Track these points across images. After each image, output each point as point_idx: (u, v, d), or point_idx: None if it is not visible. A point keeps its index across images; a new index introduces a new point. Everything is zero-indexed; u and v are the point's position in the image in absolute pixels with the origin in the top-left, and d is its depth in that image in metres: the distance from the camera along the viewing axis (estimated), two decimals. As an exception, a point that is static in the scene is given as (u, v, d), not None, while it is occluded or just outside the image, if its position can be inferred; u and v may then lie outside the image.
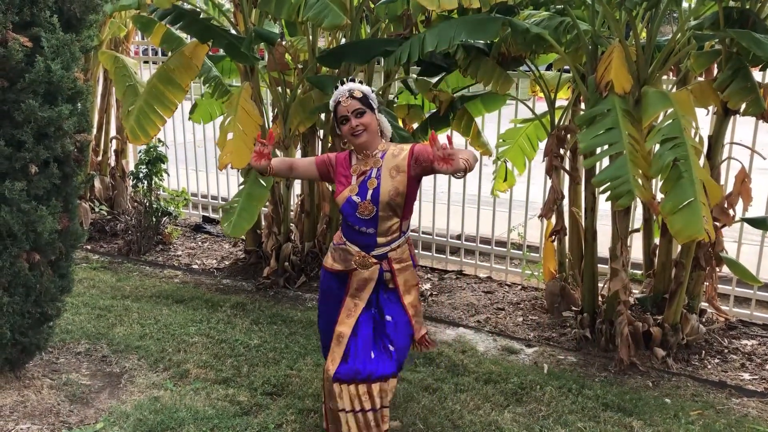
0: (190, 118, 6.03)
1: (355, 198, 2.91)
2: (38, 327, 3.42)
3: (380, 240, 2.94)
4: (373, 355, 2.88)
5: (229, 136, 4.48)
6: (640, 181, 3.39)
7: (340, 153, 3.07)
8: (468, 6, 3.90)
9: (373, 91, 3.01)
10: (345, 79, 2.97)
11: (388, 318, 2.97)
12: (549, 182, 4.62)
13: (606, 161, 3.74)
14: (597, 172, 4.09)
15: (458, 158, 2.66)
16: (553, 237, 4.66)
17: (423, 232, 5.89)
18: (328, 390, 2.88)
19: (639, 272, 4.80)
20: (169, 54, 5.02)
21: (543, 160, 4.57)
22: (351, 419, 2.85)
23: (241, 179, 5.06)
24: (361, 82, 2.96)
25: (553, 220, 4.63)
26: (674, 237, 3.29)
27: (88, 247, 6.07)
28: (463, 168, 2.69)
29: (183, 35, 5.32)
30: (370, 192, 2.89)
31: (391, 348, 2.92)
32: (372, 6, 4.85)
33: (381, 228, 2.92)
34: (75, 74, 3.16)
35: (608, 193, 3.41)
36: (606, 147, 3.53)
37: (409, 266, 3.02)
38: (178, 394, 3.48)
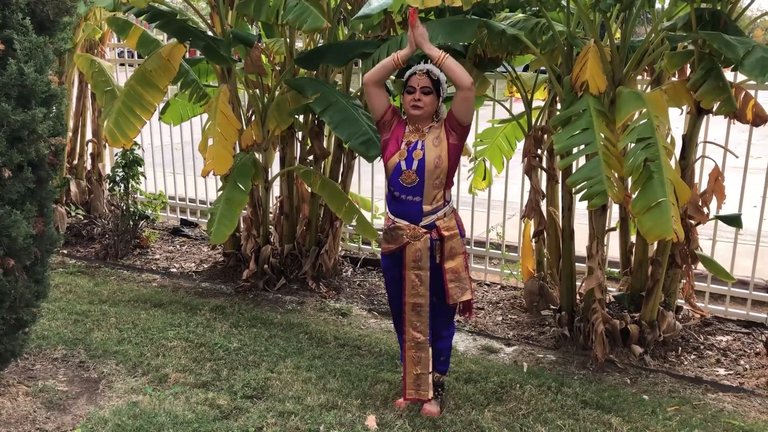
0: (160, 119, 5.98)
1: (402, 164, 3.18)
2: (13, 333, 3.37)
3: (426, 208, 3.20)
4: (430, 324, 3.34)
5: (210, 141, 4.47)
6: (613, 181, 3.43)
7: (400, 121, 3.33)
8: (450, 3, 3.91)
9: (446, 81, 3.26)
10: (429, 61, 3.22)
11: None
12: (528, 183, 4.65)
13: (582, 160, 3.78)
14: (573, 171, 4.12)
15: (420, 34, 3.11)
16: (536, 238, 4.70)
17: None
18: (413, 357, 3.33)
19: (616, 270, 4.85)
20: (145, 57, 4.98)
21: (523, 161, 4.61)
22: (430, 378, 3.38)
23: (219, 181, 5.03)
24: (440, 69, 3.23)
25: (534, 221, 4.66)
26: (644, 236, 3.34)
27: (65, 251, 6.00)
28: (436, 55, 3.08)
29: (159, 38, 5.28)
30: (415, 162, 3.16)
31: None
32: (349, 7, 4.86)
33: (426, 196, 3.19)
34: (49, 77, 3.12)
35: (582, 192, 3.45)
36: (582, 147, 3.56)
37: (456, 235, 3.26)
38: (157, 398, 3.45)
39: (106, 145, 6.57)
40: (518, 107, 4.96)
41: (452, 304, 3.34)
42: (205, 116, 4.84)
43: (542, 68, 4.58)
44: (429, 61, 3.23)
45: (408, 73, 3.22)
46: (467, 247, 5.60)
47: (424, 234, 3.21)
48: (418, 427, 3.27)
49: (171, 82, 5.04)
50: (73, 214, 6.44)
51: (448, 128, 3.19)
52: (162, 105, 5.99)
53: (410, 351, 3.34)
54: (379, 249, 5.92)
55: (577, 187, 3.48)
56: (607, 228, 4.24)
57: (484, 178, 5.26)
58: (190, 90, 5.18)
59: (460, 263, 3.28)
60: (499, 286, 5.43)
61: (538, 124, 4.58)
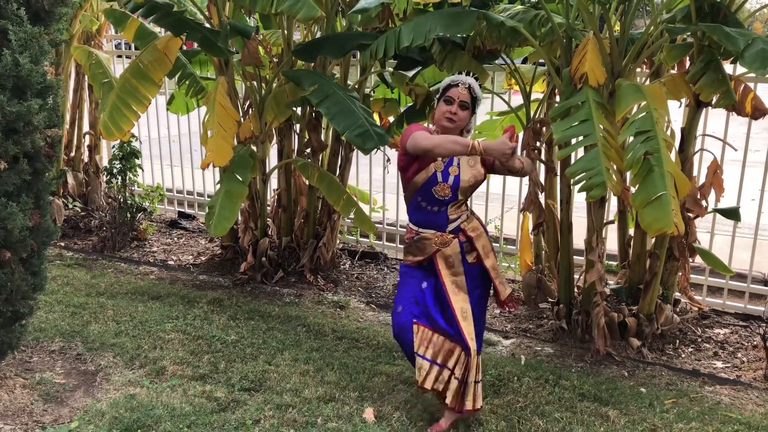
0: (168, 109, 5.98)
1: (438, 175, 3.15)
2: (10, 326, 3.36)
3: (451, 216, 3.20)
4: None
5: (209, 133, 4.45)
6: (612, 173, 3.42)
7: (427, 128, 3.26)
8: None
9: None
10: (471, 74, 3.20)
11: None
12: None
13: (581, 152, 3.77)
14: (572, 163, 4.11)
15: (516, 157, 3.05)
16: (536, 231, 4.68)
17: (401, 226, 5.89)
18: (470, 365, 3.12)
19: (614, 263, 4.85)
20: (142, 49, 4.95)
21: (521, 154, 4.59)
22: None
23: (217, 174, 5.01)
24: (481, 85, 3.25)
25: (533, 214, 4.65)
26: (645, 230, 3.33)
27: (62, 243, 5.99)
28: (518, 167, 3.09)
29: (157, 30, 5.25)
30: (451, 178, 3.16)
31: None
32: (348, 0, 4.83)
33: (452, 208, 3.20)
34: (44, 68, 3.10)
35: (581, 184, 3.44)
36: (580, 138, 3.55)
37: (483, 233, 3.28)
38: (154, 391, 3.44)
39: (101, 137, 6.55)
40: (516, 100, 4.94)
41: (484, 306, 3.32)
42: (204, 109, 4.82)
43: (541, 60, 4.56)
44: (468, 73, 3.19)
45: (448, 81, 3.17)
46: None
47: (452, 239, 3.19)
48: (415, 420, 3.27)
49: (169, 76, 5.02)
50: (70, 206, 6.42)
51: (482, 162, 3.21)
52: (165, 98, 6.00)
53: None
54: (378, 242, 5.95)
55: (576, 178, 3.46)
56: (605, 221, 4.24)
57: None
58: (188, 84, 5.16)
59: (494, 260, 3.30)
60: (497, 279, 5.42)
61: (537, 116, 4.57)
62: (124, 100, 4.66)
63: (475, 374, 3.16)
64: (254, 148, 5.00)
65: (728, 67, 3.89)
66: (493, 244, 5.48)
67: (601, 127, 3.49)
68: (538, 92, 4.87)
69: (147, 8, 4.53)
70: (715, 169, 4.06)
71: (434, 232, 3.20)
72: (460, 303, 3.19)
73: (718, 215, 4.30)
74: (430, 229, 3.21)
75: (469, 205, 3.32)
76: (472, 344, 3.13)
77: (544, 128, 4.44)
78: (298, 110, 5.11)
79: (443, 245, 3.19)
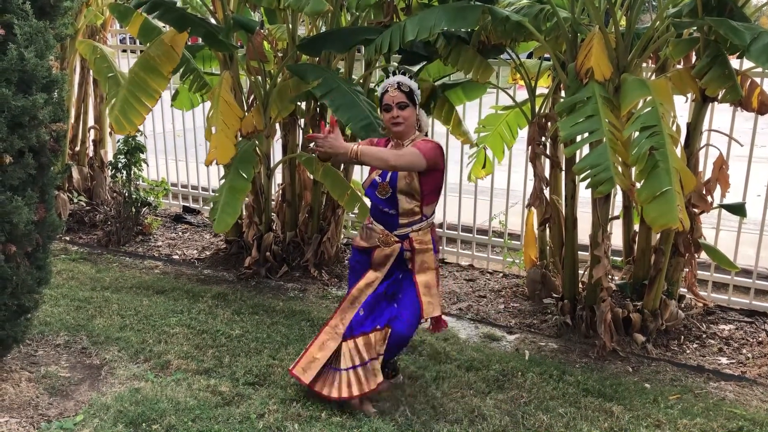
0: (172, 105, 5.98)
1: (377, 178, 3.24)
2: (15, 319, 3.37)
3: (402, 221, 3.24)
4: (362, 313, 3.26)
5: (213, 129, 4.46)
6: (620, 168, 3.41)
7: (381, 139, 3.43)
8: None
9: (417, 88, 3.26)
10: (396, 71, 3.23)
11: (399, 296, 3.30)
12: (530, 171, 4.62)
13: (586, 148, 3.75)
14: (577, 159, 4.10)
15: (327, 145, 2.99)
16: (543, 226, 4.67)
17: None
18: (323, 342, 3.29)
19: (619, 259, 4.84)
20: (147, 44, 4.95)
21: (527, 149, 4.58)
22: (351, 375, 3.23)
23: (221, 169, 5.02)
24: (411, 77, 3.25)
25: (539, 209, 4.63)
26: (650, 225, 3.32)
27: (67, 238, 6.01)
28: (350, 152, 3.00)
29: (161, 25, 5.25)
30: (389, 175, 3.20)
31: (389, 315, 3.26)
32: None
33: (401, 209, 3.22)
34: (49, 62, 3.11)
35: (589, 180, 3.43)
36: (586, 135, 3.54)
37: (429, 249, 3.27)
38: (159, 385, 3.45)
39: (112, 132, 6.57)
40: (521, 95, 4.92)
41: (414, 315, 3.23)
42: (209, 104, 4.82)
43: (546, 55, 4.54)
44: (396, 72, 3.22)
45: (380, 90, 3.23)
46: (468, 234, 5.62)
47: (395, 243, 3.25)
48: (419, 413, 3.28)
49: (172, 71, 5.02)
50: (75, 200, 6.44)
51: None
52: (171, 93, 6.00)
53: (324, 335, 3.32)
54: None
55: (584, 174, 3.45)
56: (610, 216, 4.23)
57: (484, 167, 5.23)
58: (191, 79, 5.15)
59: (432, 278, 3.28)
60: (501, 275, 5.42)
61: (542, 111, 4.55)
62: (135, 94, 4.68)
63: (318, 350, 3.29)
64: (258, 142, 4.99)
65: (735, 62, 3.87)
66: (497, 239, 5.54)
67: (607, 121, 3.48)
68: (543, 87, 4.85)
69: (150, 5, 4.52)
70: (721, 165, 4.05)
71: (382, 229, 3.28)
72: (359, 293, 3.30)
73: (723, 211, 4.28)
74: (380, 225, 3.29)
75: (431, 218, 3.29)
76: (334, 322, 3.29)
77: (549, 123, 4.42)
78: (303, 105, 5.10)
79: (385, 244, 3.26)
